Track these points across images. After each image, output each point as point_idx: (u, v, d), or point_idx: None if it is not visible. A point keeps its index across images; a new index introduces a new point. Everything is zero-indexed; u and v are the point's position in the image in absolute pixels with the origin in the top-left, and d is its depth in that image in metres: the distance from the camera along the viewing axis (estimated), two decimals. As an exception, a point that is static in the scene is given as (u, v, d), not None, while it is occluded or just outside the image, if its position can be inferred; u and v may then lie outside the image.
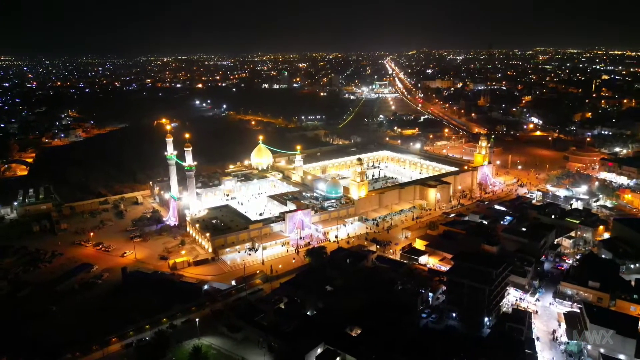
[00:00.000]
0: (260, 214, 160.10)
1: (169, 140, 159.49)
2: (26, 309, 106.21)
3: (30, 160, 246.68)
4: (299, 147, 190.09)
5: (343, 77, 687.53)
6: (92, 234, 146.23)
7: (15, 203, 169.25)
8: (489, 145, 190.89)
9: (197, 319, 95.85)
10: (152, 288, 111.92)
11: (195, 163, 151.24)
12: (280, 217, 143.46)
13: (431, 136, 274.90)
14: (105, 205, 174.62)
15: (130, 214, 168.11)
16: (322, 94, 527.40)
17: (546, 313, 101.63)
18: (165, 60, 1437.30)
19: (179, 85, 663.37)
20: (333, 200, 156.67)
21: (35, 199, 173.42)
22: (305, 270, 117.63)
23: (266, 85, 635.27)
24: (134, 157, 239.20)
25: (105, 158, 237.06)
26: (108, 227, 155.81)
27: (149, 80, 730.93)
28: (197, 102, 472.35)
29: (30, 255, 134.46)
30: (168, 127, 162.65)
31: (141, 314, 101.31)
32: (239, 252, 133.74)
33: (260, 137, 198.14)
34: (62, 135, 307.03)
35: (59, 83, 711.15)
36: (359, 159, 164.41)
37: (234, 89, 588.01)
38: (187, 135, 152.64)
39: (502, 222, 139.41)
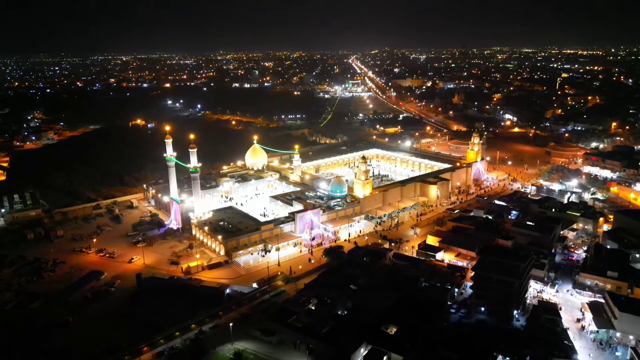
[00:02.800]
0: (264, 215, 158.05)
1: (169, 142, 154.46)
2: (42, 320, 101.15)
3: (5, 164, 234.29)
4: (297, 147, 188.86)
5: (312, 76, 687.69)
6: (94, 240, 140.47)
7: (3, 210, 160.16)
8: (482, 142, 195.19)
9: (230, 324, 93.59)
10: (171, 294, 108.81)
11: (200, 164, 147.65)
12: (290, 218, 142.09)
13: (417, 134, 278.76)
14: (99, 210, 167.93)
15: (127, 218, 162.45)
16: (295, 93, 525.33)
17: (567, 303, 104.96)
18: (124, 59, 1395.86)
19: (145, 85, 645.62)
20: (338, 199, 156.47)
21: (23, 205, 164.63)
22: (327, 270, 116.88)
23: (237, 85, 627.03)
24: (117, 159, 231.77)
25: (87, 161, 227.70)
26: (107, 233, 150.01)
27: (112, 80, 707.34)
28: (169, 101, 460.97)
29: (30, 264, 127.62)
30: (167, 128, 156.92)
31: (166, 321, 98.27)
32: (251, 254, 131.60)
33: (255, 137, 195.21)
34: (34, 137, 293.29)
35: (16, 83, 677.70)
36: (363, 157, 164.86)
37: (205, 89, 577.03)
38: (191, 136, 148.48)
39: (509, 217, 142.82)
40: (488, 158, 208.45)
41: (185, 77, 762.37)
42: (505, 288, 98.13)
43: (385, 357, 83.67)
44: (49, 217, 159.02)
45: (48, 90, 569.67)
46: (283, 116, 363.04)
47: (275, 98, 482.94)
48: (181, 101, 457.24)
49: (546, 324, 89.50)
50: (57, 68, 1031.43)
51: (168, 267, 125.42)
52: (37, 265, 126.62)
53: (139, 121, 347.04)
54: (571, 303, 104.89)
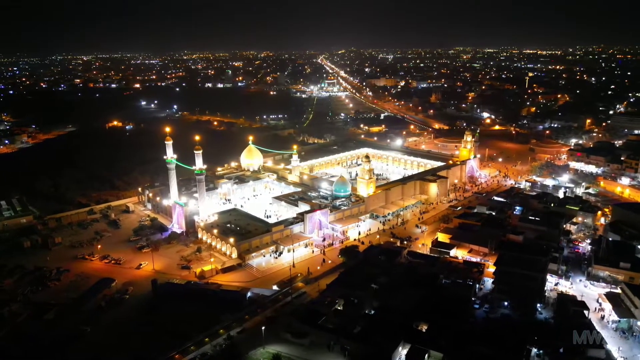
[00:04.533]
0: (267, 216, 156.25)
1: (169, 144, 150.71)
2: (58, 332, 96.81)
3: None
4: (295, 147, 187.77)
5: (285, 75, 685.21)
6: (99, 246, 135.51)
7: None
8: (475, 139, 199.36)
9: (262, 327, 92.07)
10: (189, 299, 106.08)
11: (205, 166, 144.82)
12: (299, 218, 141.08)
13: (404, 133, 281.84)
14: (93, 215, 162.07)
15: (125, 223, 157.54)
16: (271, 93, 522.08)
17: (583, 295, 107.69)
18: (85, 59, 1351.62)
19: (114, 86, 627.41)
20: (343, 199, 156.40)
21: (12, 212, 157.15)
22: (346, 270, 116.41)
23: (209, 85, 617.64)
24: (102, 162, 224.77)
25: (71, 165, 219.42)
26: (107, 239, 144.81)
27: (78, 81, 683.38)
28: (143, 102, 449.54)
29: (32, 274, 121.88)
30: (167, 130, 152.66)
31: (191, 328, 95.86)
32: (263, 256, 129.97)
33: (250, 138, 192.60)
34: (7, 141, 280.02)
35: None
36: (367, 156, 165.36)
37: (177, 89, 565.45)
38: (197, 138, 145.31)
39: (514, 212, 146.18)
40: (478, 155, 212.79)
41: (154, 77, 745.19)
42: (529, 282, 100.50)
43: (426, 355, 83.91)
44: (42, 224, 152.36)
45: (11, 92, 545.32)
46: (265, 116, 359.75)
47: (252, 98, 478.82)
48: (155, 102, 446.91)
49: (574, 316, 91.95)
50: (15, 68, 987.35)
51: (180, 272, 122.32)
52: (40, 274, 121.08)
53: (115, 123, 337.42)
54: (586, 294, 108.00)
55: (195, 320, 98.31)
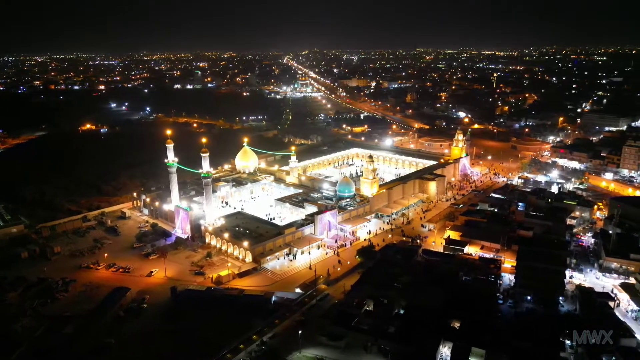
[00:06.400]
0: (271, 218, 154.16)
1: (170, 147, 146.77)
2: (80, 346, 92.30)
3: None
4: (293, 148, 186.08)
5: (255, 76, 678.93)
6: (106, 255, 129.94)
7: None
8: (466, 138, 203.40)
9: (299, 332, 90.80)
10: (212, 306, 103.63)
11: (212, 169, 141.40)
12: (309, 220, 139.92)
13: (389, 132, 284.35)
14: (88, 222, 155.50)
15: (124, 229, 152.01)
16: (245, 94, 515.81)
17: (596, 286, 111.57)
18: (39, 59, 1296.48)
19: (76, 87, 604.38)
20: (348, 199, 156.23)
21: (2, 221, 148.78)
22: (366, 271, 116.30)
23: (178, 86, 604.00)
24: (85, 167, 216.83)
25: (53, 170, 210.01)
26: (108, 246, 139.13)
27: (37, 82, 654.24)
28: (113, 104, 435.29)
29: (36, 285, 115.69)
30: (168, 132, 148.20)
31: (221, 335, 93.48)
32: (277, 259, 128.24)
33: (245, 139, 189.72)
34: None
35: None
36: (370, 156, 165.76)
37: (145, 90, 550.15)
38: (203, 140, 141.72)
39: (518, 209, 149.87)
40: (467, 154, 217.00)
41: (118, 78, 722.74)
42: (552, 276, 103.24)
43: (470, 353, 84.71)
44: (36, 233, 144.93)
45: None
46: (244, 117, 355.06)
47: (225, 99, 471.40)
48: (126, 104, 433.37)
49: (600, 307, 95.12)
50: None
51: (194, 278, 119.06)
52: (46, 286, 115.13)
53: (88, 126, 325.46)
54: (600, 286, 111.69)
55: (223, 327, 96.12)
